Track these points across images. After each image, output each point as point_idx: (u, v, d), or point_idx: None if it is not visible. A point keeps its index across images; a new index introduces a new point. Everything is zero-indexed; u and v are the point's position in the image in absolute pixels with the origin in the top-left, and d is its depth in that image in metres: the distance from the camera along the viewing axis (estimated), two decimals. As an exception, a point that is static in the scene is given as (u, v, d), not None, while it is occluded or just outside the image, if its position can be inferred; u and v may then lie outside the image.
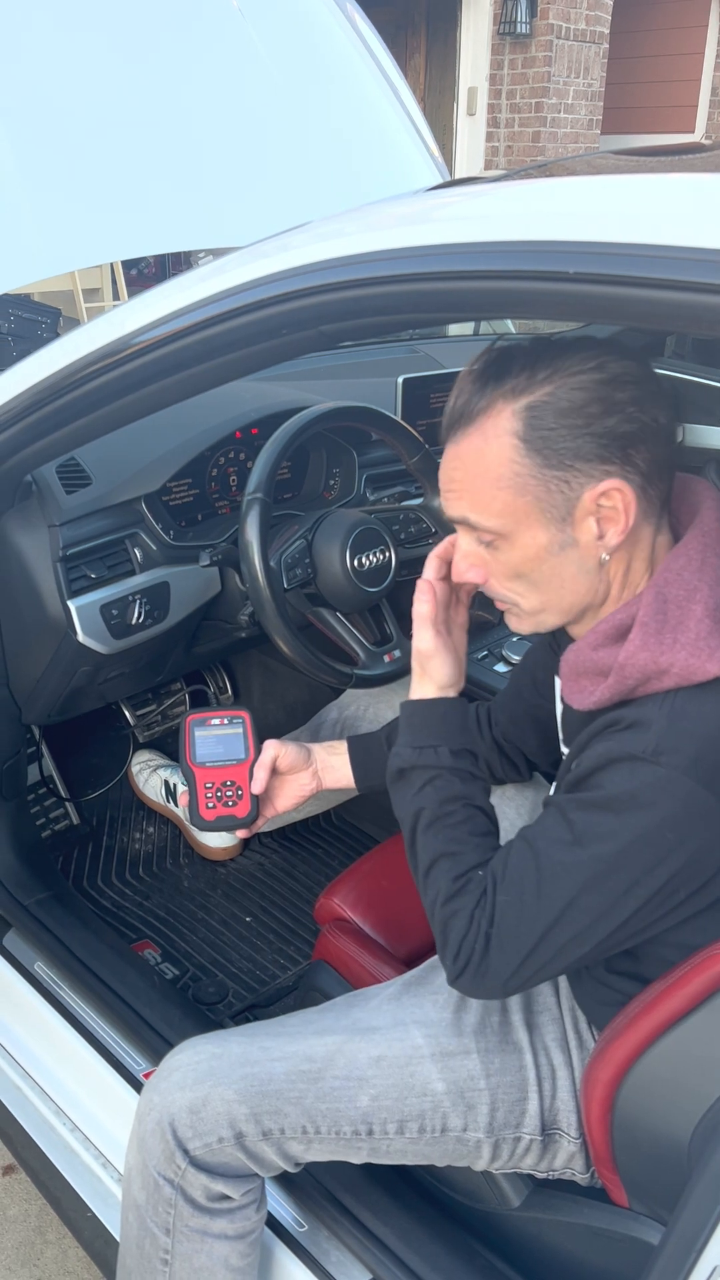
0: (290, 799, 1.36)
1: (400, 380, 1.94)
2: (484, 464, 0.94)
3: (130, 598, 1.52)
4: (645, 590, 0.94)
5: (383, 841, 1.61)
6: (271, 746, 1.33)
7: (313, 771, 1.36)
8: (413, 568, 1.74)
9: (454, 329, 2.63)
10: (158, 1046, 1.41)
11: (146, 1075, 1.41)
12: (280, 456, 1.46)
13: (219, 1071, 1.04)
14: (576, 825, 0.92)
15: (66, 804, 2.11)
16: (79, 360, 1.19)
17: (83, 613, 1.47)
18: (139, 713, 2.19)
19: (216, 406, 1.72)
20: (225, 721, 1.33)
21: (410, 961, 1.35)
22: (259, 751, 1.33)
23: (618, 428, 0.91)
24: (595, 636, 0.97)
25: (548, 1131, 1.10)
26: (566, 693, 1.01)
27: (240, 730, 1.34)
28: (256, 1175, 1.08)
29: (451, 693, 1.09)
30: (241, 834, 1.31)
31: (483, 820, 1.05)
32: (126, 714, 2.16)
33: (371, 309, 0.94)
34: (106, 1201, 1.39)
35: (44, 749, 2.01)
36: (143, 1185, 1.07)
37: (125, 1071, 1.42)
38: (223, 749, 1.30)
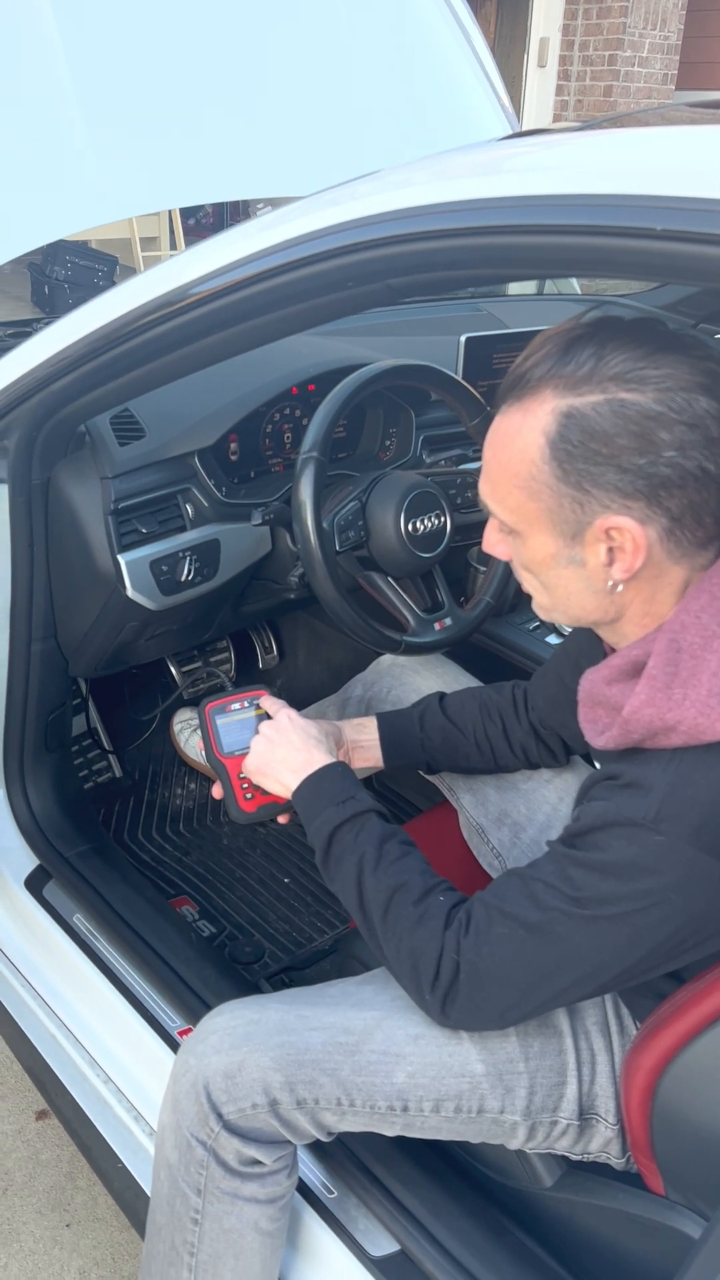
0: None
1: (463, 339, 1.89)
2: (510, 453, 0.89)
3: (180, 554, 1.50)
4: (660, 633, 0.88)
5: (425, 810, 1.59)
6: None
7: (344, 752, 1.33)
8: (468, 533, 1.71)
9: (514, 287, 2.56)
10: (193, 1004, 1.41)
11: (181, 1032, 1.41)
12: (337, 415, 1.43)
13: (256, 1037, 1.04)
14: (578, 884, 0.89)
15: (109, 756, 2.12)
16: (136, 309, 1.16)
17: (132, 568, 1.45)
18: (184, 669, 2.18)
19: (273, 361, 1.68)
20: (245, 704, 1.27)
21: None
22: None
23: (648, 468, 0.83)
24: (609, 670, 0.93)
25: (585, 1116, 1.08)
26: (582, 720, 0.98)
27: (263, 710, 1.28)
28: (289, 1142, 1.07)
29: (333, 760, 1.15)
30: (283, 819, 1.24)
31: (417, 853, 1.06)
32: (172, 670, 2.16)
33: (443, 263, 0.90)
34: (136, 1154, 1.40)
35: (89, 702, 2.02)
36: (175, 1145, 1.07)
37: (159, 1027, 1.42)
38: (249, 734, 1.23)
